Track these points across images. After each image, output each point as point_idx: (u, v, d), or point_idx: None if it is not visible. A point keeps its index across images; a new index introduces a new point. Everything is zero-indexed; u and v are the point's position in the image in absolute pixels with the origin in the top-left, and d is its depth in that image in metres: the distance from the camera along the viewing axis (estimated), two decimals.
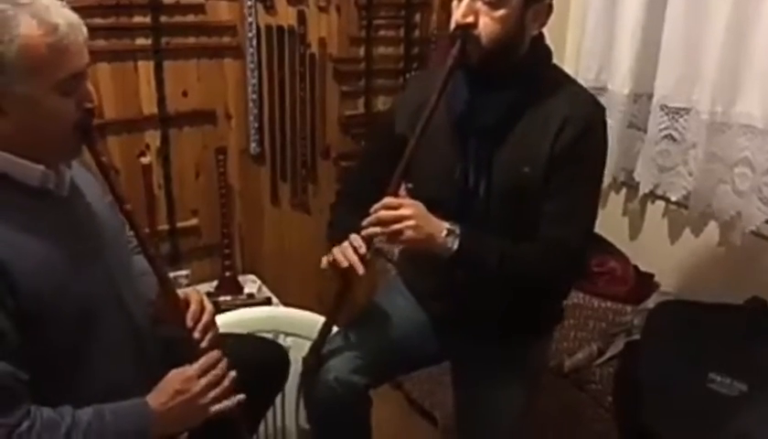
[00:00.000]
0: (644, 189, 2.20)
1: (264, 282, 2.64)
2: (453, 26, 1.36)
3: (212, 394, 1.23)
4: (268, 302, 2.49)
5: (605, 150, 1.44)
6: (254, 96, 2.47)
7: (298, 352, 1.67)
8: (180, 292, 1.33)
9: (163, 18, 2.24)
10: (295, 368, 1.66)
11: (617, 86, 2.23)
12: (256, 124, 2.51)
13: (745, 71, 1.88)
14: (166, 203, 2.43)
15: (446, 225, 1.37)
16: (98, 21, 2.10)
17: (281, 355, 1.64)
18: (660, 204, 2.24)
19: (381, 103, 2.74)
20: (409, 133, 1.42)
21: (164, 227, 2.44)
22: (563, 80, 1.45)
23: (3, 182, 1.10)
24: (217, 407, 1.24)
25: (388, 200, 1.37)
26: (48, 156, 1.14)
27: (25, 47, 1.02)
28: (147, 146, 2.34)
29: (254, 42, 2.40)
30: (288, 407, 1.90)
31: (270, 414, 1.84)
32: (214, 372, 1.24)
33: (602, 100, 1.78)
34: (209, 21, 2.33)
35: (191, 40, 2.32)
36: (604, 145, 1.44)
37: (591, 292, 2.10)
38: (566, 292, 1.64)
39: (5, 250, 1.05)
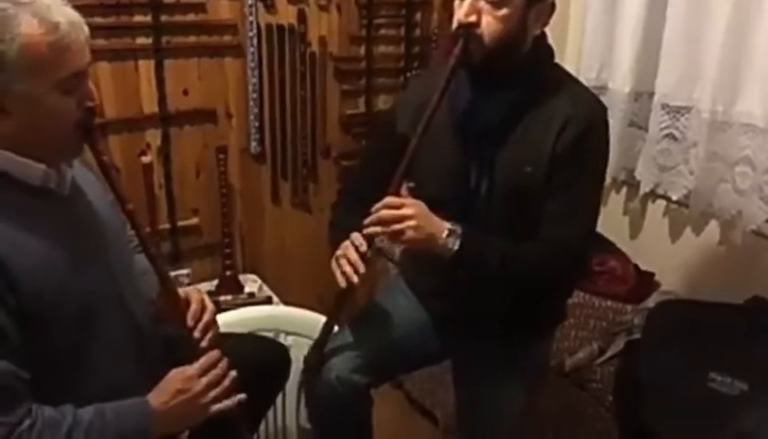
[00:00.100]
0: (644, 188, 2.20)
1: (265, 281, 2.64)
2: (455, 25, 1.36)
3: (213, 394, 1.23)
4: (268, 301, 2.49)
5: (607, 150, 1.44)
6: (255, 95, 2.47)
7: (299, 351, 1.67)
8: (181, 291, 1.33)
9: (163, 17, 2.23)
10: (296, 367, 1.66)
11: (618, 85, 2.23)
12: (257, 123, 2.51)
13: (746, 70, 1.88)
14: (167, 202, 2.43)
15: (447, 225, 1.36)
16: (98, 20, 2.10)
17: (281, 354, 1.64)
18: (661, 203, 2.24)
19: (382, 102, 2.74)
20: (410, 133, 1.42)
21: (164, 226, 2.44)
22: (565, 80, 1.45)
23: (4, 181, 1.10)
24: (217, 406, 1.24)
25: (389, 200, 1.37)
26: (49, 155, 1.14)
27: (26, 46, 1.02)
28: (148, 145, 2.34)
29: (255, 41, 2.40)
30: (289, 406, 1.90)
31: (270, 413, 1.84)
32: (215, 372, 1.24)
33: (603, 98, 1.78)
34: (210, 20, 2.33)
35: (192, 39, 2.32)
36: (606, 145, 1.43)
37: (591, 291, 2.10)
38: (568, 292, 1.64)
39: (6, 247, 1.05)
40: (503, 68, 1.38)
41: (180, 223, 2.47)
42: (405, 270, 1.76)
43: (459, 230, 1.36)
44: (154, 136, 2.35)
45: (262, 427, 1.84)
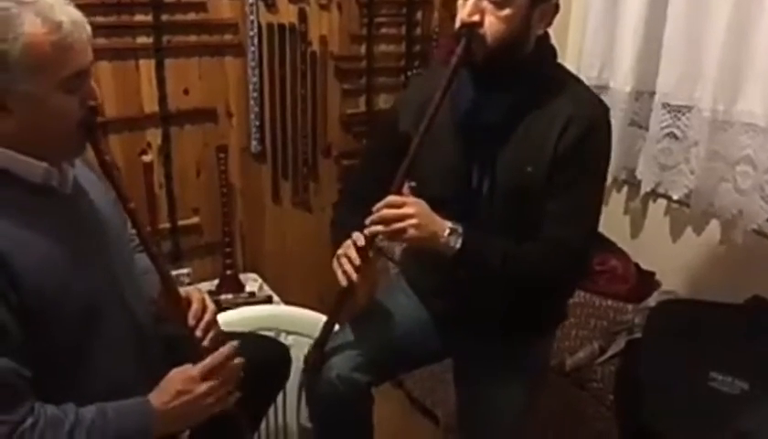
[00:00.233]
0: (645, 188, 2.21)
1: (265, 280, 2.64)
2: (458, 24, 1.35)
3: (215, 396, 1.23)
4: (269, 300, 2.50)
5: (609, 150, 1.44)
6: (255, 94, 2.47)
7: (299, 350, 1.67)
8: (182, 290, 1.33)
9: (164, 16, 2.24)
10: (296, 366, 1.66)
11: (619, 84, 2.23)
12: (257, 122, 2.51)
13: (747, 69, 1.88)
14: (167, 201, 2.43)
15: (449, 224, 1.36)
16: (99, 19, 2.10)
17: (282, 353, 1.64)
18: (662, 202, 2.24)
19: (383, 101, 2.74)
20: (412, 132, 1.41)
21: (165, 225, 2.44)
22: (568, 80, 1.45)
23: (5, 178, 1.10)
24: (219, 408, 1.24)
25: (391, 198, 1.37)
26: (51, 154, 1.13)
27: (29, 45, 1.02)
28: (148, 145, 2.35)
29: (255, 40, 2.40)
30: (289, 405, 1.90)
31: (271, 412, 1.84)
32: (220, 374, 1.24)
33: (604, 98, 1.78)
34: (211, 19, 2.33)
35: (192, 38, 2.32)
36: (608, 146, 1.43)
37: (592, 290, 2.11)
38: (570, 292, 1.64)
39: (7, 244, 1.05)
40: (505, 67, 1.38)
41: (181, 222, 2.48)
42: (406, 269, 1.76)
43: (460, 228, 1.36)
44: (154, 135, 2.35)
45: (263, 426, 1.84)
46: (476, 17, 1.32)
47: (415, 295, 1.66)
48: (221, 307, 1.81)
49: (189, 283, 2.30)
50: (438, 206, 1.39)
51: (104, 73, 2.17)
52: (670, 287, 2.14)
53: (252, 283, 2.59)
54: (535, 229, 1.40)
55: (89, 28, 1.11)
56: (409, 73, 2.72)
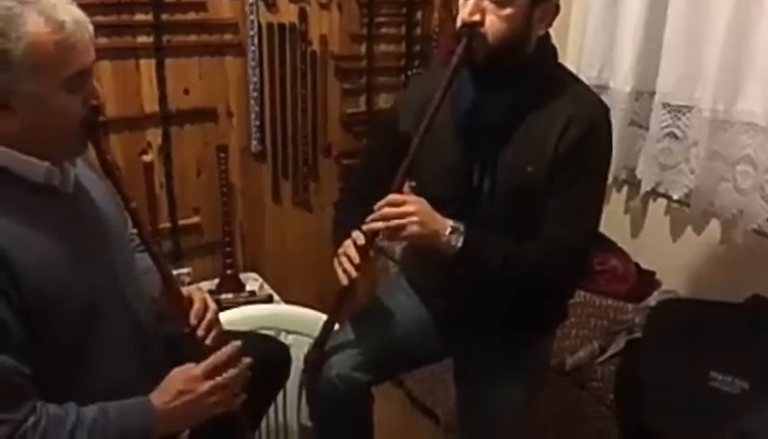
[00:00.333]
0: (645, 187, 2.21)
1: (266, 279, 2.64)
2: (459, 23, 1.36)
3: (217, 396, 1.23)
4: (269, 299, 2.50)
5: (610, 150, 1.44)
6: (255, 94, 2.47)
7: (299, 350, 1.67)
8: (183, 290, 1.33)
9: (164, 16, 2.24)
10: (297, 365, 1.66)
11: (619, 84, 2.24)
12: (257, 122, 2.51)
13: (747, 69, 1.88)
14: (168, 201, 2.43)
15: (450, 222, 1.36)
16: (100, 19, 2.10)
17: (282, 352, 1.64)
18: (662, 202, 2.24)
19: (383, 101, 2.74)
20: (412, 131, 1.41)
21: (165, 225, 2.44)
22: (569, 80, 1.45)
23: (6, 177, 1.10)
24: (224, 408, 1.24)
25: (392, 197, 1.37)
26: (53, 153, 1.13)
27: (32, 44, 1.02)
28: (149, 144, 2.35)
29: (256, 40, 2.40)
30: (290, 404, 1.90)
31: (271, 411, 1.84)
32: (223, 375, 1.24)
33: (604, 97, 1.78)
34: (211, 19, 2.33)
35: (192, 38, 2.32)
36: (609, 146, 1.43)
37: (592, 290, 2.11)
38: (570, 291, 1.64)
39: (8, 242, 1.05)
40: (506, 67, 1.38)
41: (181, 222, 2.48)
42: (406, 268, 1.76)
43: (462, 227, 1.36)
44: (154, 135, 2.35)
45: (264, 425, 1.84)
46: (477, 17, 1.32)
47: (415, 295, 1.66)
48: (222, 307, 1.80)
49: (190, 283, 2.31)
50: (438, 205, 1.39)
51: (104, 73, 2.17)
52: (670, 287, 2.14)
53: (253, 282, 2.59)
54: (535, 228, 1.40)
55: (91, 28, 1.11)
56: (409, 73, 2.72)
